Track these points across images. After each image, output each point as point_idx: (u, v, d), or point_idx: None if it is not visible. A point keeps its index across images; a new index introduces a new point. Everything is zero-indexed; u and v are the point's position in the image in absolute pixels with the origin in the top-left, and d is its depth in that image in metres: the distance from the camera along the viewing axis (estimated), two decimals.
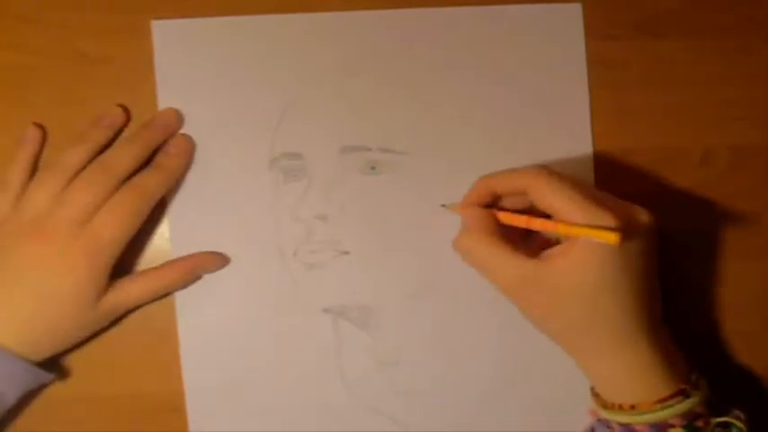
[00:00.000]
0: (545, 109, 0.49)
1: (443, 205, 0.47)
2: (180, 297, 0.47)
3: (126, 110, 0.47)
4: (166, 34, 0.47)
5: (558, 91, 0.49)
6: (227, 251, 0.47)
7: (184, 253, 0.47)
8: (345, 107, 0.48)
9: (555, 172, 0.42)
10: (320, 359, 0.48)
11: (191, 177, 0.47)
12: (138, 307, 0.46)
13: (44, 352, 0.44)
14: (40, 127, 0.47)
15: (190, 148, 0.47)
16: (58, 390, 0.47)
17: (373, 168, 0.48)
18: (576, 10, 0.49)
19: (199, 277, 0.47)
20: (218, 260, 0.47)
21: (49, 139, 0.47)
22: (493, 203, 0.45)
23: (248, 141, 0.48)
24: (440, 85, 0.48)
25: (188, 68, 0.48)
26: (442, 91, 0.48)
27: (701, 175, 0.49)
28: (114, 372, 0.47)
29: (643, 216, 0.42)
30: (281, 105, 0.48)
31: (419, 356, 0.48)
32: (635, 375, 0.41)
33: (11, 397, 0.42)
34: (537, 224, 0.42)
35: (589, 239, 0.39)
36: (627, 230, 0.39)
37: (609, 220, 0.39)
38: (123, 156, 0.44)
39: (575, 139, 0.49)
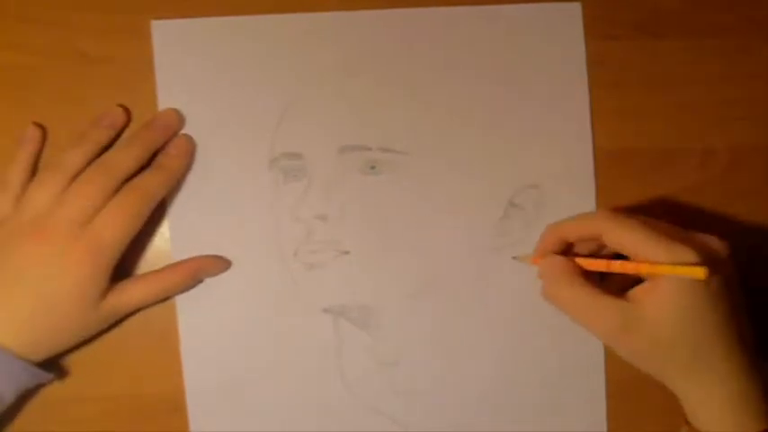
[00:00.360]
0: (545, 108, 0.48)
1: (516, 257, 0.47)
2: (180, 297, 0.47)
3: (126, 110, 0.47)
4: (166, 34, 0.47)
5: (558, 90, 0.49)
6: (227, 252, 0.47)
7: (184, 253, 0.47)
8: (345, 107, 0.48)
9: (624, 214, 0.42)
10: (320, 359, 0.48)
11: (190, 178, 0.47)
12: (139, 310, 0.46)
13: (44, 352, 0.43)
14: (40, 127, 0.47)
15: (190, 148, 0.47)
16: (58, 390, 0.47)
17: (373, 168, 0.48)
18: (575, 9, 0.49)
19: (200, 281, 0.47)
20: (220, 263, 0.47)
21: (49, 138, 0.47)
22: (564, 251, 0.45)
23: (248, 141, 0.48)
24: (439, 85, 0.48)
25: (188, 69, 0.48)
26: (441, 90, 0.48)
27: (701, 175, 0.49)
28: (114, 372, 0.48)
29: (718, 245, 0.42)
30: (281, 105, 0.48)
31: (419, 356, 0.48)
32: (738, 404, 0.41)
33: (9, 396, 0.42)
34: (617, 266, 0.41)
35: (673, 276, 0.39)
36: (708, 262, 0.39)
37: (691, 255, 0.39)
38: (124, 156, 0.44)
39: (575, 139, 0.49)
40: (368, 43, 0.48)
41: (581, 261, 0.43)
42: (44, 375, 0.44)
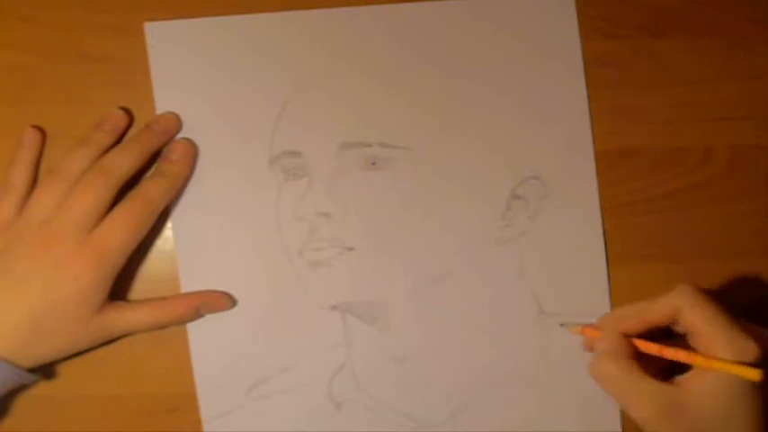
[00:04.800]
0: (543, 98, 0.49)
1: (564, 325, 0.47)
2: None
3: (128, 113, 0.47)
4: (160, 36, 0.47)
5: (555, 79, 0.49)
6: (231, 252, 0.47)
7: (189, 257, 0.47)
8: (343, 104, 0.48)
9: (706, 295, 0.41)
10: (331, 356, 0.48)
11: (192, 180, 0.47)
12: (132, 333, 0.46)
13: (31, 359, 0.43)
14: (39, 129, 0.47)
15: (192, 152, 0.47)
16: (58, 390, 0.47)
17: (374, 164, 0.48)
18: (568, 1, 0.49)
19: (201, 315, 0.47)
20: (225, 301, 0.47)
21: (49, 139, 0.47)
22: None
23: (247, 141, 0.48)
24: (437, 79, 0.48)
25: (184, 70, 0.48)
26: (439, 84, 0.48)
27: (701, 175, 0.50)
28: (115, 371, 0.47)
29: None
30: (279, 104, 0.48)
31: (429, 350, 0.48)
32: None
33: None
34: (669, 353, 0.41)
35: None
36: (764, 362, 0.39)
37: (750, 354, 0.39)
38: (122, 159, 0.44)
39: (574, 128, 0.49)
40: (364, 39, 0.48)
41: (637, 342, 0.42)
42: (27, 376, 0.43)
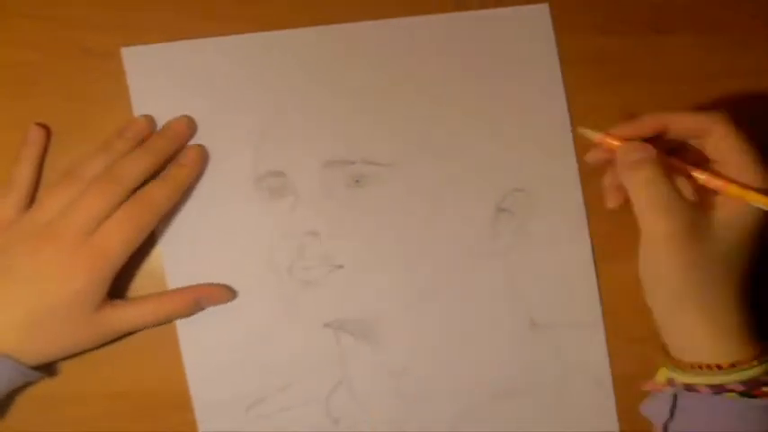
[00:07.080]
0: (524, 112, 0.49)
1: (581, 129, 0.45)
2: (180, 322, 0.47)
3: (151, 120, 0.47)
4: (138, 60, 0.47)
5: (535, 92, 0.49)
6: (221, 274, 0.47)
7: (180, 278, 0.47)
8: (325, 122, 0.48)
9: (733, 122, 0.42)
10: (326, 374, 0.48)
11: (179, 202, 0.47)
12: (135, 332, 0.46)
13: (33, 358, 0.43)
14: (43, 126, 0.47)
15: (202, 159, 0.47)
16: (59, 388, 0.47)
17: (358, 181, 0.48)
18: (543, 10, 0.48)
19: (202, 308, 0.47)
20: (224, 293, 0.47)
21: (52, 135, 0.47)
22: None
23: (232, 162, 0.47)
24: (418, 95, 0.48)
25: (164, 93, 0.47)
26: (420, 100, 0.48)
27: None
28: (117, 370, 0.47)
29: None
30: (261, 124, 0.48)
31: (424, 365, 0.48)
32: (735, 334, 0.41)
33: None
34: (702, 178, 0.42)
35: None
36: None
37: None
38: (134, 166, 0.44)
39: (556, 140, 0.48)
40: (344, 57, 0.48)
41: (673, 160, 0.43)
42: (31, 373, 0.43)
